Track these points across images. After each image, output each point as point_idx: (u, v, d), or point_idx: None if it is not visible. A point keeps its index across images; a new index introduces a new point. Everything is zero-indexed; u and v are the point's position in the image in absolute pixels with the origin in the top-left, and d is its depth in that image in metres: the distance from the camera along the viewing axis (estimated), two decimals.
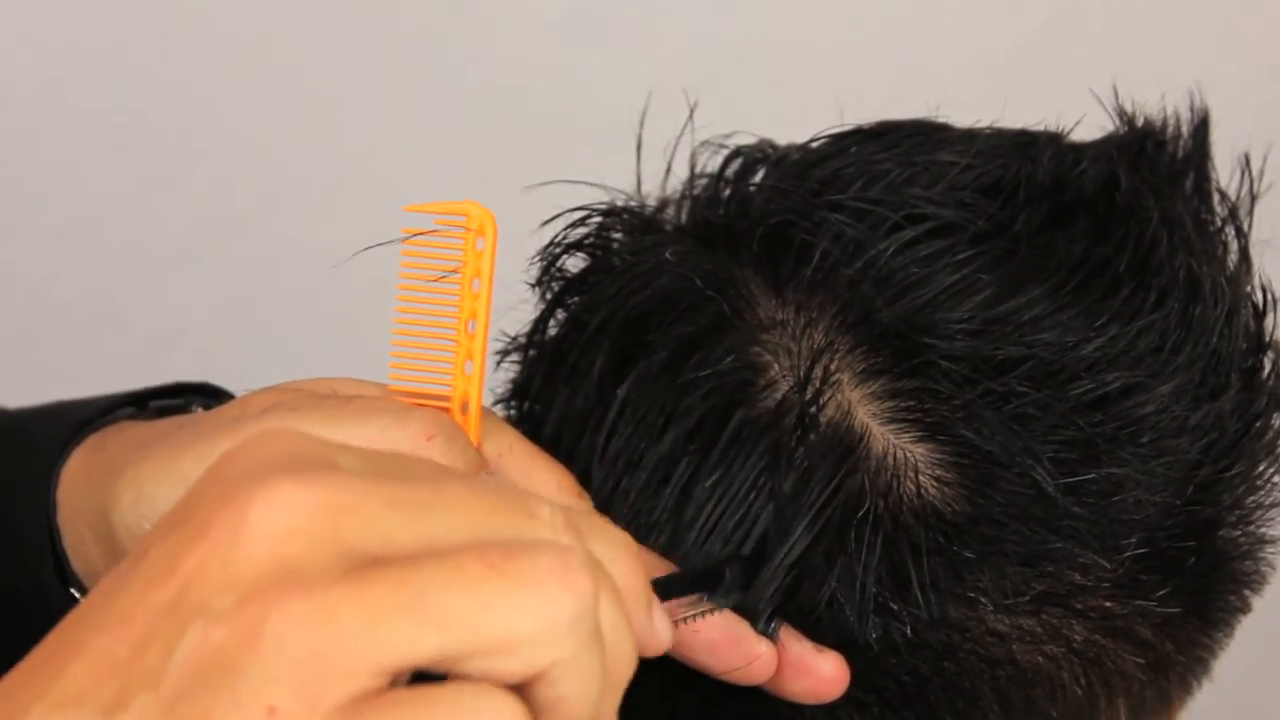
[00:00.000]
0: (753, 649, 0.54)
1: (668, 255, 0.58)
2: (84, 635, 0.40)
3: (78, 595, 0.61)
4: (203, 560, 0.39)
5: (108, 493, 0.57)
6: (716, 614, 0.53)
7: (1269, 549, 0.60)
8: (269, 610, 0.38)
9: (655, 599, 0.46)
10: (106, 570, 0.57)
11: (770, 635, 0.54)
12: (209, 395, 0.66)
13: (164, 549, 0.40)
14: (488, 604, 0.39)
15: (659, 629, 0.46)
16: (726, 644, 0.54)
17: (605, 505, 0.56)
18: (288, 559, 0.39)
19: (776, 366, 0.55)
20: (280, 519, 0.39)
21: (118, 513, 0.57)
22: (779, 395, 0.55)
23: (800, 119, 0.63)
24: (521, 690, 0.40)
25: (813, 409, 0.54)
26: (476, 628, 0.39)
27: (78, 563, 0.60)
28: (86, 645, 0.40)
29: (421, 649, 0.39)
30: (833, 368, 0.55)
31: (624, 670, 0.43)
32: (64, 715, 0.39)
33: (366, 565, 0.39)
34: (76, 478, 0.60)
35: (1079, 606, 0.56)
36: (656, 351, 0.56)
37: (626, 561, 0.44)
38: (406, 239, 0.52)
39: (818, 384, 0.54)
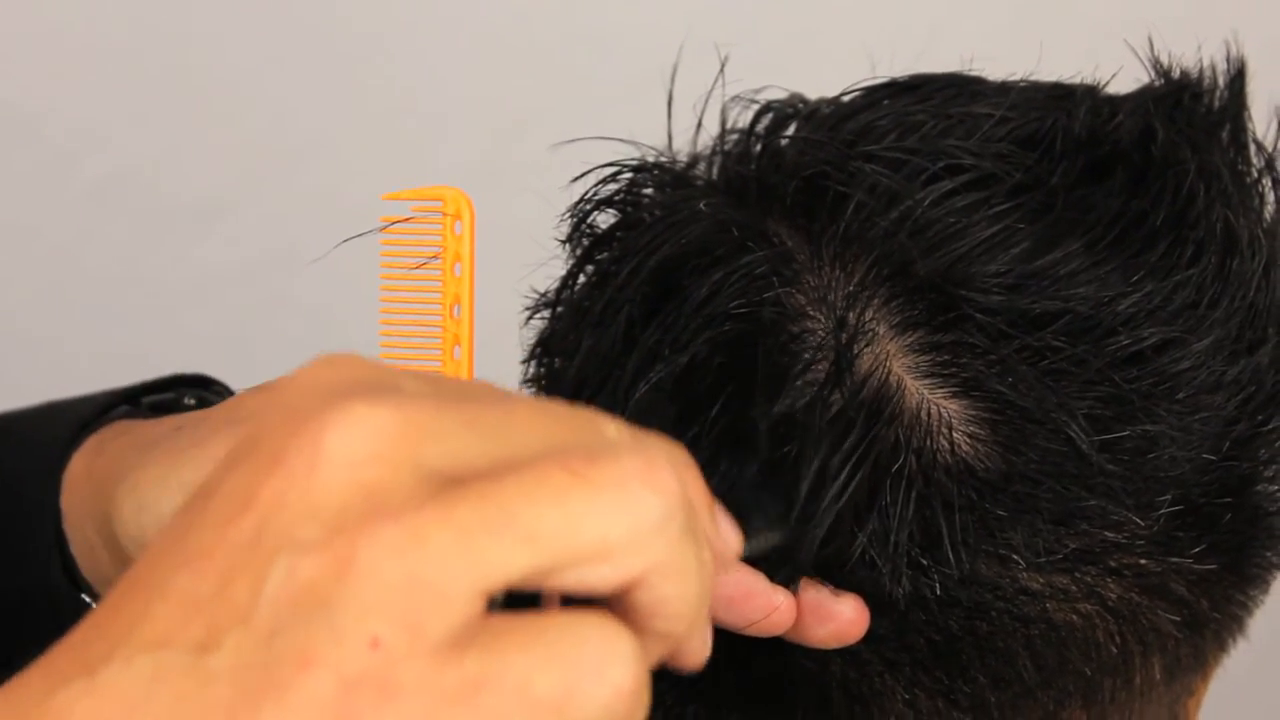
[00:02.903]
0: (770, 600, 0.53)
1: (701, 206, 0.57)
2: (161, 575, 0.38)
3: (88, 600, 0.60)
4: (280, 491, 0.38)
5: (110, 501, 0.56)
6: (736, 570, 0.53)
7: None
8: (358, 538, 0.37)
9: (720, 507, 0.44)
10: (117, 574, 0.56)
11: (788, 585, 0.54)
12: (200, 386, 0.66)
13: (236, 483, 0.39)
14: (577, 512, 0.38)
15: (727, 536, 0.45)
16: (742, 598, 0.53)
17: None
18: (370, 484, 0.38)
19: (811, 311, 0.55)
20: (357, 444, 0.38)
21: (120, 523, 0.55)
22: (813, 338, 0.54)
23: (831, 74, 0.62)
24: (621, 598, 0.39)
25: (848, 354, 0.53)
26: (567, 537, 0.38)
27: (86, 567, 0.60)
28: (166, 584, 0.38)
29: (516, 566, 0.38)
30: (868, 317, 0.54)
31: (709, 579, 0.41)
32: (153, 658, 0.37)
33: (450, 486, 0.38)
34: (79, 483, 0.60)
35: (1113, 564, 0.55)
36: (688, 294, 0.55)
37: (689, 471, 0.42)
38: (385, 228, 0.52)
39: (852, 330, 0.54)
